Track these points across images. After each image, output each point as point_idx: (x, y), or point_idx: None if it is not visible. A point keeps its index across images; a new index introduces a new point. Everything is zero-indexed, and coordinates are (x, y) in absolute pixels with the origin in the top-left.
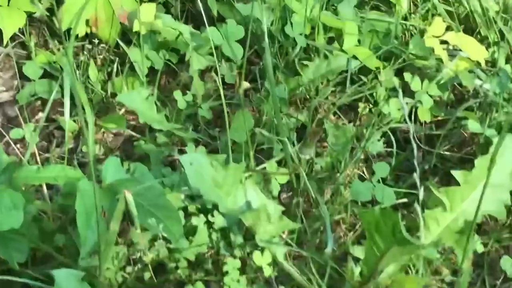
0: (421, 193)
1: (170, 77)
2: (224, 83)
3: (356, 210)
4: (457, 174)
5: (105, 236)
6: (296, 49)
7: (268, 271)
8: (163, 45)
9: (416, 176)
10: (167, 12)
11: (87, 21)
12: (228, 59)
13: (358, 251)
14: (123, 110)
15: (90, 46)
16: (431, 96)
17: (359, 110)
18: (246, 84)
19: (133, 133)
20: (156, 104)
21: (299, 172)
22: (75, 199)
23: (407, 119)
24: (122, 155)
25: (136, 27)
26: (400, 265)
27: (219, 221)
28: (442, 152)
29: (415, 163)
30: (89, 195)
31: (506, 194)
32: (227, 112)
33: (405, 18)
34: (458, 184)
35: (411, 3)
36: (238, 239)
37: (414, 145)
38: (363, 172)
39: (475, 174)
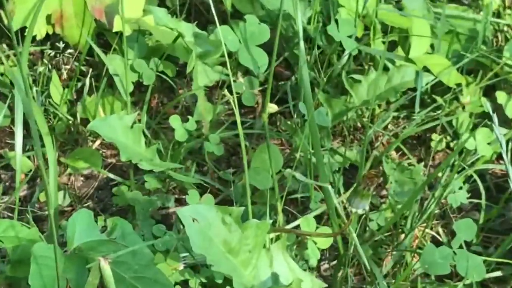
0: None
1: (165, 96)
2: (240, 105)
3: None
4: None
5: None
6: (344, 57)
7: None
8: (155, 52)
9: None
10: (161, 4)
11: (48, 18)
12: (246, 72)
13: None
14: (97, 142)
15: (52, 53)
16: None
17: (432, 144)
18: (273, 107)
19: (112, 176)
20: (144, 135)
21: (347, 233)
22: (29, 269)
23: (505, 157)
24: (96, 207)
25: (117, 25)
26: None
27: None
28: None
29: None
30: (48, 264)
31: None
32: (246, 147)
33: (498, 15)
34: None
35: None
36: None
37: None
38: (438, 233)
39: None
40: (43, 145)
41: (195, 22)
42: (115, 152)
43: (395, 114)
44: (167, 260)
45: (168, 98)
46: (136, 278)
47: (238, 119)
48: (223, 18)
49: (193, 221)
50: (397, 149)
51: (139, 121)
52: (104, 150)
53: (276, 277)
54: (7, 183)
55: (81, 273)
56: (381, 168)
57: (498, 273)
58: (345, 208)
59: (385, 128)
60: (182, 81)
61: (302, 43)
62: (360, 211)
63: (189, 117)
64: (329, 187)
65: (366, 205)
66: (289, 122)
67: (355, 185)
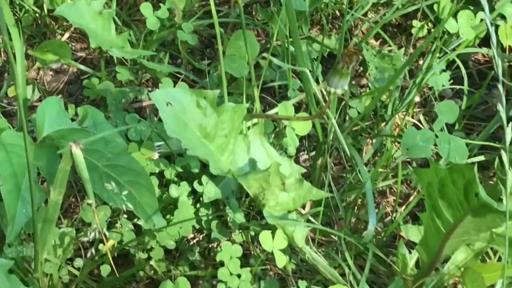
0: (509, 134)
1: None
2: None
3: (411, 172)
4: None
5: (43, 212)
6: None
7: (282, 260)
8: None
9: (501, 110)
10: None
11: None
12: None
13: (413, 233)
14: (66, 35)
15: None
16: None
17: (413, 31)
18: None
19: (83, 68)
20: (115, 22)
21: (326, 120)
22: None
23: (493, 39)
24: (66, 101)
25: None
26: (472, 251)
27: (209, 190)
28: None
29: (500, 104)
30: (18, 152)
31: None
32: (221, 36)
33: None
34: None
35: None
36: (238, 216)
37: (500, 80)
38: (419, 121)
39: None
40: (10, 38)
41: None
42: (85, 46)
43: (375, 0)
44: (141, 149)
45: None
46: (109, 166)
47: (213, 6)
48: None
49: (167, 105)
50: (378, 37)
51: (109, 7)
52: (73, 44)
53: (254, 163)
54: None
55: (52, 161)
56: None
57: (481, 158)
58: (324, 95)
59: (365, 15)
60: None
61: None
62: (339, 91)
63: (161, 4)
64: (307, 71)
65: (345, 84)
66: (265, 9)
67: (335, 64)
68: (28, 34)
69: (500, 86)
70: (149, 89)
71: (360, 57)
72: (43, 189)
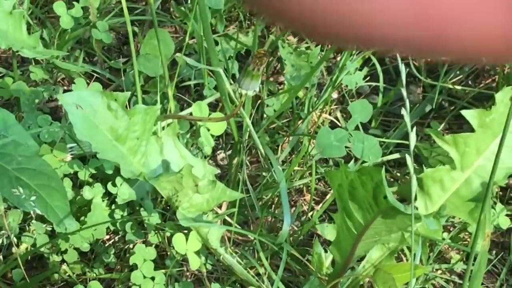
0: (413, 140)
1: None
2: None
3: (325, 171)
4: (470, 115)
5: None
6: None
7: (196, 263)
8: None
9: (405, 115)
10: None
11: None
12: None
13: (329, 232)
14: None
15: None
16: None
17: None
18: None
19: None
20: (29, 21)
21: (242, 118)
22: None
23: None
24: None
25: None
26: (387, 249)
27: (124, 192)
28: (450, 87)
29: (405, 97)
30: None
31: None
32: (136, 34)
33: None
34: (472, 130)
35: None
36: (152, 218)
37: (402, 73)
38: (336, 118)
39: (496, 114)
40: None
41: None
42: None
43: None
44: (54, 151)
45: None
46: (19, 170)
47: (125, 5)
48: None
49: (77, 107)
50: (292, 34)
51: (21, 4)
52: None
53: (167, 164)
54: None
55: None
56: (277, 52)
57: (396, 155)
58: (239, 93)
59: None
60: None
61: None
62: (250, 93)
63: (75, 3)
64: (221, 70)
65: (256, 86)
66: (182, 8)
67: (245, 65)
68: None
69: (404, 92)
70: (65, 88)
71: (273, 57)
72: None
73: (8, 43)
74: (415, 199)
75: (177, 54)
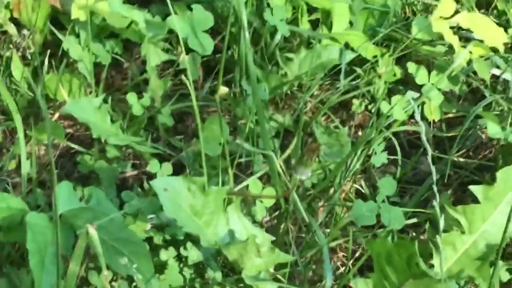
0: (442, 222)
1: (113, 70)
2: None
3: (358, 235)
4: (476, 189)
5: (62, 281)
6: (277, 37)
7: None
8: (103, 30)
9: (436, 204)
10: None
11: (7, 4)
12: (189, 50)
13: (362, 285)
14: (56, 115)
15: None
16: (440, 90)
17: (354, 108)
18: (224, 89)
19: (75, 146)
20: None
21: (288, 191)
22: (18, 234)
23: (418, 119)
24: (60, 173)
25: (75, 13)
26: None
27: (193, 254)
28: (455, 159)
29: (434, 181)
30: (41, 230)
31: None
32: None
33: None
34: (477, 201)
35: None
36: (217, 275)
37: (429, 153)
38: (361, 186)
39: (497, 189)
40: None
41: (145, 9)
42: (72, 123)
43: (320, 82)
44: (136, 222)
45: (116, 71)
46: (114, 240)
47: (193, 95)
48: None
49: (164, 190)
50: (323, 114)
51: (106, 102)
52: (62, 121)
53: (233, 234)
54: None
55: (68, 237)
56: (317, 139)
57: (414, 220)
58: (283, 169)
59: (312, 95)
60: (127, 55)
61: (247, 34)
62: (304, 177)
63: (144, 93)
64: (273, 154)
65: (309, 172)
66: (232, 97)
67: (299, 156)
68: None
69: (429, 158)
70: (131, 161)
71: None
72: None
73: (98, 133)
74: (431, 257)
75: (237, 140)
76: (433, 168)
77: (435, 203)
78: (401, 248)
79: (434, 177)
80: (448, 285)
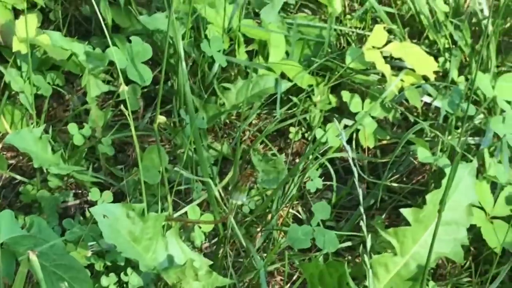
0: (369, 242)
1: (55, 101)
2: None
3: (295, 259)
4: (406, 212)
5: None
6: (214, 68)
7: None
8: (45, 63)
9: (363, 224)
10: (46, 19)
11: None
12: (129, 81)
13: None
14: None
15: None
16: (373, 118)
17: (291, 136)
18: (162, 119)
19: (18, 177)
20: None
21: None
22: None
23: (347, 148)
24: (3, 203)
25: (16, 46)
26: None
27: (133, 280)
28: (388, 184)
29: (361, 203)
30: None
31: (462, 232)
32: (128, 144)
33: (340, 21)
34: (409, 223)
35: (345, 4)
36: None
37: (356, 182)
38: (298, 212)
39: (427, 212)
40: None
41: (84, 41)
42: (14, 154)
43: (258, 111)
44: (78, 249)
45: (57, 103)
46: (55, 266)
47: (132, 125)
48: (102, 29)
49: (104, 217)
50: (261, 142)
51: (47, 132)
52: (4, 153)
53: (171, 258)
54: None
55: (10, 264)
56: (254, 166)
57: (348, 243)
58: (221, 196)
59: (250, 124)
60: (69, 86)
61: (184, 65)
62: (239, 202)
63: (85, 124)
64: (211, 181)
65: (244, 197)
66: (172, 126)
67: (235, 182)
68: None
69: (357, 187)
70: (73, 191)
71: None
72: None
73: (39, 163)
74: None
75: (176, 168)
76: (360, 190)
77: (362, 224)
78: (332, 268)
79: (361, 196)
80: None
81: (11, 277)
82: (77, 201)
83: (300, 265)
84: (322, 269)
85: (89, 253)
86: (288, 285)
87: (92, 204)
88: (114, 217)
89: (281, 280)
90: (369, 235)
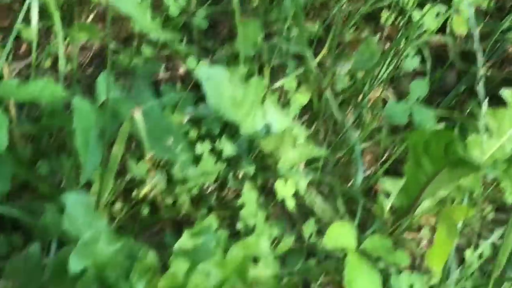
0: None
1: None
2: None
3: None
4: (506, 93)
5: (107, 161)
6: None
7: (291, 204)
8: None
9: (480, 85)
10: None
11: None
12: None
13: (389, 184)
14: (91, 17)
15: None
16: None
17: (382, 20)
18: None
19: (113, 45)
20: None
21: (322, 90)
22: (60, 119)
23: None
24: (94, 71)
25: None
26: (437, 200)
27: (227, 149)
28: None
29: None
30: (85, 115)
31: None
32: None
33: None
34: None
35: None
36: (249, 169)
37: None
38: (387, 96)
39: None
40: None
41: None
42: (104, 25)
43: None
44: (174, 114)
45: None
46: (153, 128)
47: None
48: None
49: (208, 80)
50: (353, 24)
51: None
52: (95, 24)
53: (269, 127)
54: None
55: (111, 122)
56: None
57: (441, 126)
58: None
59: (341, 6)
60: None
61: None
62: (346, 70)
63: None
64: (310, 53)
65: (349, 65)
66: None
67: (341, 49)
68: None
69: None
70: (164, 64)
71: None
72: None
73: (140, 26)
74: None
75: (276, 40)
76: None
77: (479, 86)
78: (439, 136)
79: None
80: (485, 170)
81: (112, 136)
82: (168, 74)
83: (406, 135)
84: (428, 137)
85: (185, 119)
86: (378, 164)
87: (183, 78)
88: (217, 80)
89: (369, 159)
90: (485, 101)
